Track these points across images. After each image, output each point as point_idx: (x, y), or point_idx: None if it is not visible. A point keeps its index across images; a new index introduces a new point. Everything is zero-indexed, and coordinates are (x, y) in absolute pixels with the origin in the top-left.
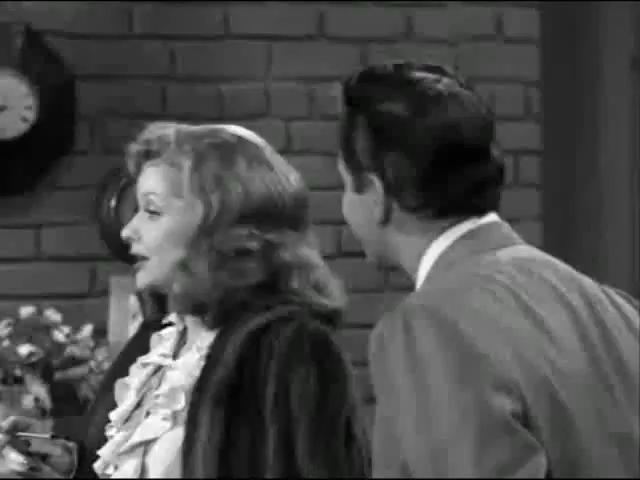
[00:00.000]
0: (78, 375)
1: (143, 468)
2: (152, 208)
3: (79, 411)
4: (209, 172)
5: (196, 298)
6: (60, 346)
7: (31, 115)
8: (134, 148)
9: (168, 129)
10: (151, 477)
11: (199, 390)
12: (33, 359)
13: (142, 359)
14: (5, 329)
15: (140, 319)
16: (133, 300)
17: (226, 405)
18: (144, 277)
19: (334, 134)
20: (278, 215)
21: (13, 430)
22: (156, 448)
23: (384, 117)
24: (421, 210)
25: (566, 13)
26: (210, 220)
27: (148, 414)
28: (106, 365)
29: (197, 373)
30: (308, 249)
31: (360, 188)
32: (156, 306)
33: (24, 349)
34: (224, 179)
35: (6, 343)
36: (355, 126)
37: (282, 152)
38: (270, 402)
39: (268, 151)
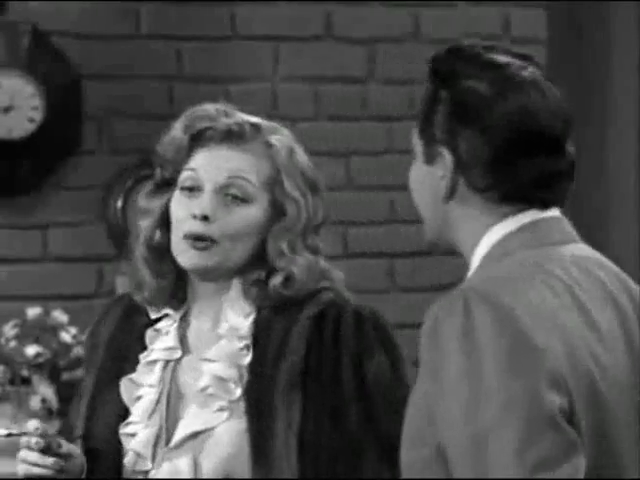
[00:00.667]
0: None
1: (195, 461)
2: (238, 193)
3: None
4: (302, 171)
5: (294, 288)
6: (67, 347)
7: (38, 115)
8: (218, 125)
9: (251, 118)
10: (205, 469)
11: (263, 380)
12: (40, 360)
13: (145, 357)
14: (12, 330)
15: None
16: None
17: (300, 395)
18: (208, 259)
19: (341, 134)
20: (323, 215)
21: (45, 434)
22: (215, 437)
23: (467, 94)
24: (487, 191)
25: (573, 13)
26: (310, 218)
27: (169, 409)
28: None
29: (243, 362)
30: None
31: (430, 159)
32: (160, 295)
33: (31, 350)
34: (305, 176)
35: (13, 344)
36: (438, 99)
37: None
38: (348, 385)
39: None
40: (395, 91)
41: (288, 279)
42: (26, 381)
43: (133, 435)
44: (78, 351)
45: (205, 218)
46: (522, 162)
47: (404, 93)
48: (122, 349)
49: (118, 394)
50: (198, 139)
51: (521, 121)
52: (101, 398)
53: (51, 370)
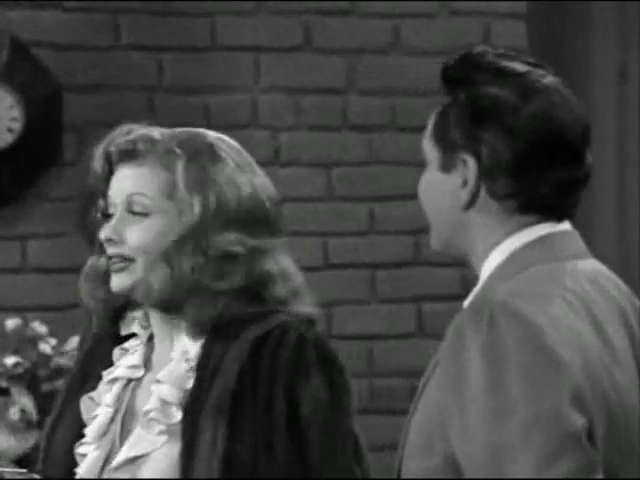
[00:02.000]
0: None
1: None
2: (138, 209)
3: None
4: (203, 173)
5: (171, 294)
6: (46, 358)
7: (17, 126)
8: (112, 148)
9: (151, 131)
10: None
11: (196, 401)
12: (19, 370)
13: (108, 374)
14: None
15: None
16: None
17: (228, 416)
18: (127, 279)
19: (321, 145)
20: (263, 221)
21: None
22: (150, 463)
23: (489, 99)
24: (507, 200)
25: (553, 25)
26: (205, 221)
27: (124, 430)
28: None
29: (187, 385)
30: (287, 257)
31: (448, 167)
32: (106, 321)
33: (10, 360)
34: (218, 180)
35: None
36: (455, 104)
37: (269, 163)
38: (279, 412)
39: (247, 156)
40: (375, 102)
41: (164, 285)
42: (5, 392)
43: (84, 455)
44: (57, 362)
45: (109, 240)
46: (545, 170)
47: (384, 104)
48: (90, 367)
49: (78, 412)
50: (110, 165)
51: (545, 125)
52: (63, 417)
53: (30, 381)
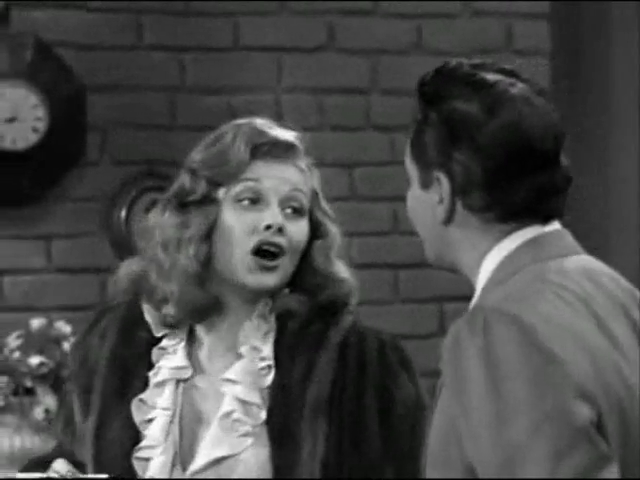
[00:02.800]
0: None
1: None
2: (298, 206)
3: None
4: (317, 188)
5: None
6: None
7: (41, 126)
8: (278, 138)
9: (293, 132)
10: None
11: (290, 404)
12: (44, 370)
13: (155, 377)
14: (16, 341)
15: None
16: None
17: (326, 422)
18: (278, 275)
19: (344, 145)
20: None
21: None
22: (240, 464)
23: (457, 115)
24: (485, 212)
25: (576, 25)
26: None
27: (182, 430)
28: None
29: (264, 384)
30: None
31: (426, 184)
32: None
33: (35, 360)
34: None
35: (17, 354)
36: (427, 122)
37: None
38: (372, 411)
39: None
40: (398, 102)
41: (342, 287)
42: (30, 391)
43: (147, 460)
44: None
45: (280, 230)
46: (517, 179)
47: (407, 104)
48: (126, 366)
49: (128, 415)
50: (256, 151)
51: (513, 138)
52: (110, 419)
53: (55, 380)
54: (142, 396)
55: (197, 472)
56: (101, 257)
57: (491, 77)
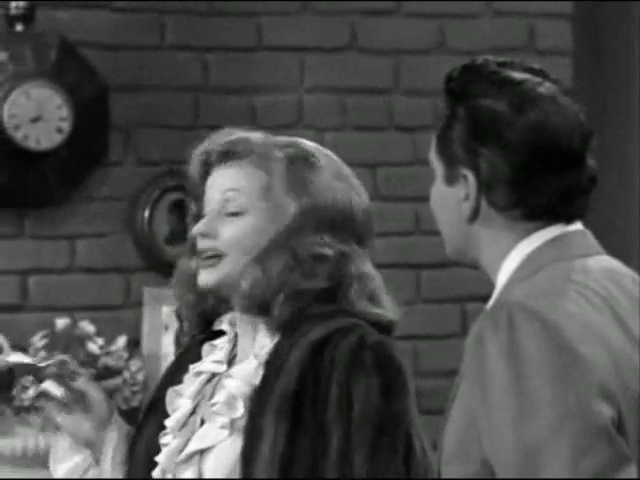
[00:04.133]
0: (112, 386)
1: (200, 476)
2: (232, 208)
3: None
4: (301, 177)
5: (264, 295)
6: (94, 357)
7: (65, 126)
8: (212, 148)
9: (250, 134)
10: None
11: (260, 399)
12: None
13: (195, 367)
14: (41, 340)
15: (172, 333)
16: (167, 311)
17: (289, 416)
18: (215, 274)
19: (366, 145)
20: (351, 228)
21: (62, 363)
22: (213, 456)
23: (484, 112)
24: (510, 209)
25: (598, 25)
26: (299, 222)
27: (203, 422)
28: (140, 376)
29: (256, 381)
30: (368, 263)
31: (451, 180)
32: (197, 324)
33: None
34: (314, 184)
35: (42, 354)
36: (455, 118)
37: None
38: (332, 412)
39: (344, 166)
40: (420, 102)
41: (254, 284)
42: None
43: (166, 445)
44: (105, 361)
45: (203, 235)
46: (543, 178)
47: (429, 104)
48: (182, 360)
49: (164, 404)
50: (206, 168)
51: (540, 137)
52: (153, 409)
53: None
54: (177, 386)
55: (181, 461)
56: (125, 257)
57: (518, 75)
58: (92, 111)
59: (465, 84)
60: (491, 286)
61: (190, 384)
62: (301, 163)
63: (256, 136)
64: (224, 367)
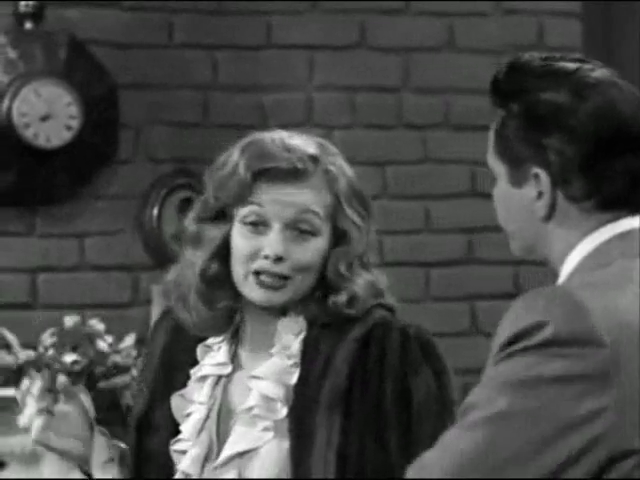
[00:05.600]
0: (121, 383)
1: (240, 477)
2: (307, 228)
3: (122, 419)
4: (358, 195)
5: (296, 300)
6: (103, 355)
7: (75, 124)
8: (275, 164)
9: (307, 146)
10: None
11: (306, 398)
12: (77, 368)
13: (196, 373)
14: (50, 338)
15: None
16: None
17: (342, 411)
18: (282, 297)
19: (375, 143)
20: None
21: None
22: (259, 458)
23: (544, 105)
24: (585, 200)
25: (607, 24)
26: (369, 245)
27: (225, 427)
28: None
29: (290, 381)
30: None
31: (519, 181)
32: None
33: (68, 358)
34: (367, 200)
35: (51, 352)
36: (510, 117)
37: None
38: (389, 407)
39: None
40: (430, 100)
41: (352, 299)
42: None
43: (183, 452)
44: (114, 359)
45: (279, 259)
46: (613, 163)
47: (439, 102)
48: (173, 363)
49: (169, 410)
50: (260, 175)
51: (606, 121)
52: (153, 412)
53: (88, 378)
54: (182, 392)
55: (220, 466)
56: (134, 255)
57: (570, 65)
58: (101, 109)
59: (516, 81)
60: (501, 284)
61: (197, 389)
62: (348, 176)
63: (314, 147)
64: (229, 368)
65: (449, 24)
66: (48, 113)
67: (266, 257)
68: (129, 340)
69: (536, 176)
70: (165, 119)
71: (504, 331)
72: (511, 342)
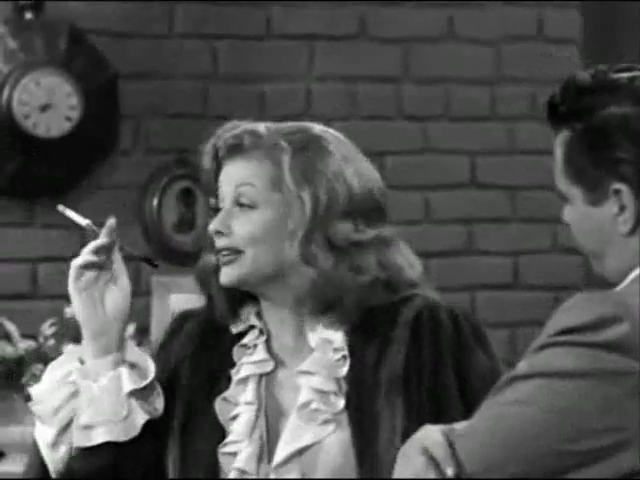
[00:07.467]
0: None
1: (305, 475)
2: (245, 201)
3: None
4: (309, 165)
5: (325, 293)
6: None
7: (75, 114)
8: (220, 143)
9: (255, 125)
10: None
11: (363, 387)
12: None
13: (237, 374)
14: (50, 328)
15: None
16: (175, 299)
17: (401, 395)
18: (236, 270)
19: (375, 134)
20: (376, 210)
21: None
22: (322, 451)
23: (610, 120)
24: None
25: (607, 14)
26: (320, 212)
27: (275, 426)
28: None
29: (340, 374)
30: (405, 244)
31: (599, 200)
32: (227, 307)
33: (69, 348)
34: (325, 172)
35: (51, 342)
36: (577, 139)
37: None
38: (451, 387)
39: (354, 147)
40: (429, 90)
41: (313, 286)
42: None
43: (234, 454)
44: None
45: (218, 232)
46: None
47: (438, 92)
48: (210, 369)
49: (214, 415)
50: (218, 163)
51: None
52: (196, 419)
53: None
54: (225, 394)
55: (281, 464)
56: (133, 245)
57: (622, 75)
58: (101, 99)
59: (575, 102)
60: (500, 274)
61: (241, 391)
62: (310, 152)
63: (262, 126)
64: (271, 365)
65: (449, 14)
66: (48, 103)
67: (214, 235)
68: (129, 330)
69: (617, 192)
70: (165, 109)
71: (564, 320)
72: (575, 331)
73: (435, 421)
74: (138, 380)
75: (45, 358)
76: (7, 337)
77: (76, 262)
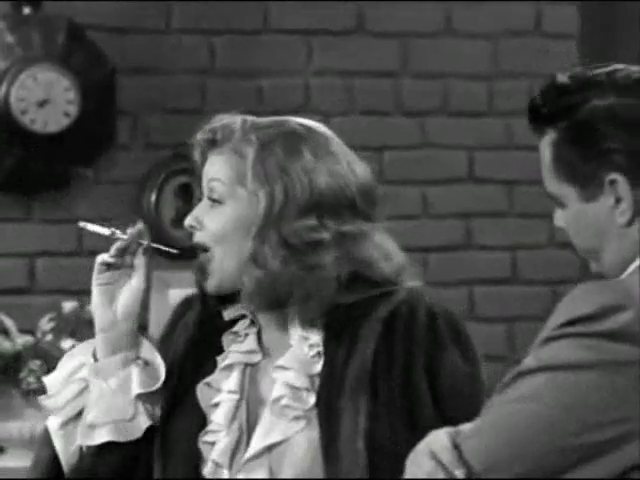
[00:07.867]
0: None
1: (273, 471)
2: (215, 196)
3: None
4: (273, 162)
5: (271, 293)
6: None
7: (73, 109)
8: (199, 137)
9: (234, 119)
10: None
11: (331, 384)
12: None
13: (223, 360)
14: (48, 324)
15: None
16: (173, 294)
17: (367, 392)
18: (212, 280)
19: (373, 129)
20: (349, 207)
21: (135, 234)
22: (291, 448)
23: (596, 113)
24: None
25: (605, 9)
26: (274, 210)
27: (255, 417)
28: None
29: (315, 370)
30: (387, 238)
31: (594, 195)
32: (220, 301)
33: (67, 343)
34: (288, 169)
35: (49, 337)
36: (564, 138)
37: None
38: (421, 386)
39: (335, 142)
40: (427, 85)
41: (258, 285)
42: None
43: (212, 444)
44: None
45: (191, 227)
46: None
47: (436, 87)
48: (199, 354)
49: (195, 401)
50: (202, 158)
51: None
52: (178, 404)
53: None
54: (208, 380)
55: (251, 458)
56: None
57: (600, 71)
58: (99, 95)
59: (557, 102)
60: (499, 269)
61: (224, 378)
62: (276, 148)
63: (239, 120)
64: (259, 356)
65: (447, 8)
66: (46, 98)
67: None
68: None
69: (612, 183)
70: (163, 104)
71: (571, 311)
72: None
73: (402, 423)
74: (148, 381)
75: (43, 353)
76: (5, 332)
77: (99, 258)
